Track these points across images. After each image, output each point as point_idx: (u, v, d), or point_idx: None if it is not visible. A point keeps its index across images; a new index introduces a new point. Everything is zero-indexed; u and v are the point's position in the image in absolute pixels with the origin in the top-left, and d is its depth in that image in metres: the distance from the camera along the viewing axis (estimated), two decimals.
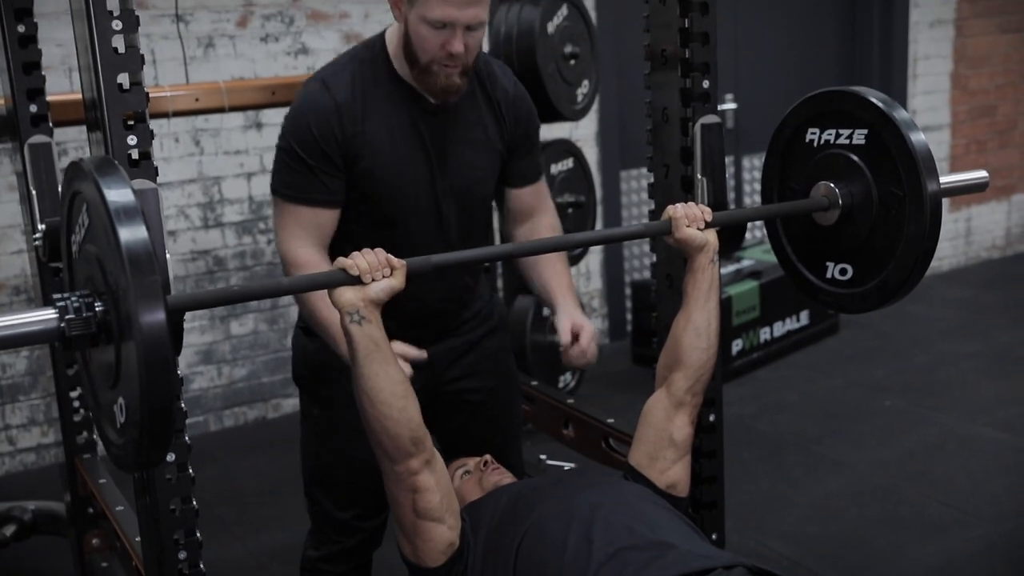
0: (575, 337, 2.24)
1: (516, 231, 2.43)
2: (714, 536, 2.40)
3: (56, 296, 1.40)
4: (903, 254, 1.98)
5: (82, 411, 2.75)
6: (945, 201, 2.21)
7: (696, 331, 2.00)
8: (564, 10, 3.66)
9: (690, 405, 2.02)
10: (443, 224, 2.20)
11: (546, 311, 3.99)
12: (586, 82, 3.79)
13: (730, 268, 4.85)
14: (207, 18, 3.99)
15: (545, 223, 2.42)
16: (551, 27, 3.59)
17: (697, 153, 2.21)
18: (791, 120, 2.15)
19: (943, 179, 1.99)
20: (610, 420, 2.76)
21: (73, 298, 1.40)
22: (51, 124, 2.57)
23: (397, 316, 2.15)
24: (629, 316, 5.17)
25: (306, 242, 2.10)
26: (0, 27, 2.49)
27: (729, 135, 5.52)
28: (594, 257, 5.07)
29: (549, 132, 4.33)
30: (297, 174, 2.09)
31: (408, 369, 1.89)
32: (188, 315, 4.02)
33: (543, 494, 1.92)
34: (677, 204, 2.01)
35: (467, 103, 2.18)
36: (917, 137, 1.95)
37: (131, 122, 1.72)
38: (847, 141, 2.04)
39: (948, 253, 6.27)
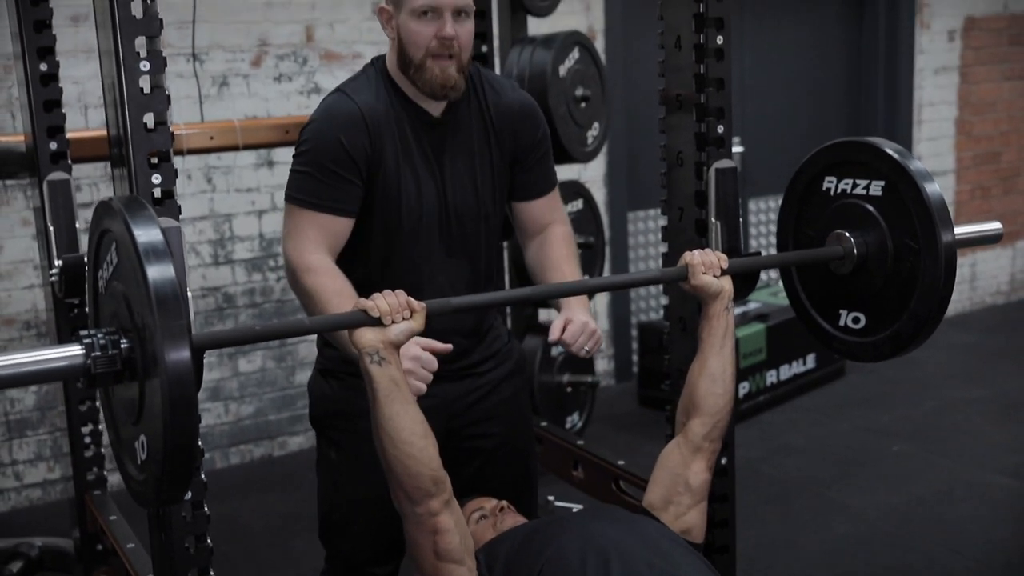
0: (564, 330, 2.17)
1: (528, 243, 2.40)
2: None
3: (82, 332, 1.42)
4: (917, 305, 2.00)
5: (93, 447, 2.75)
6: None
7: (712, 377, 2.01)
8: (576, 53, 3.69)
9: (707, 451, 2.02)
10: (450, 240, 2.19)
11: (554, 351, 4.00)
12: (596, 124, 3.82)
13: (736, 311, 4.83)
14: (222, 57, 4.04)
15: (557, 233, 2.38)
16: (563, 70, 3.63)
17: (711, 197, 2.22)
18: (809, 168, 2.18)
19: (958, 230, 2.01)
20: (620, 462, 2.76)
21: (99, 335, 1.42)
22: (69, 161, 2.59)
23: None
24: (636, 357, 5.18)
25: (318, 248, 2.08)
26: (23, 65, 2.52)
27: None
28: (601, 298, 5.08)
29: (559, 173, 4.36)
30: (317, 181, 2.08)
31: (434, 363, 1.88)
32: None
33: (562, 527, 1.91)
34: (694, 251, 2.03)
35: (469, 119, 2.20)
36: (932, 189, 1.97)
37: (155, 160, 1.74)
38: (864, 191, 2.07)
39: (954, 298, 6.22)
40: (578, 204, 3.91)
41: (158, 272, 1.34)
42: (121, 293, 1.43)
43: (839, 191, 2.12)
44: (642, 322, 5.10)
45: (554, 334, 2.16)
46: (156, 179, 1.71)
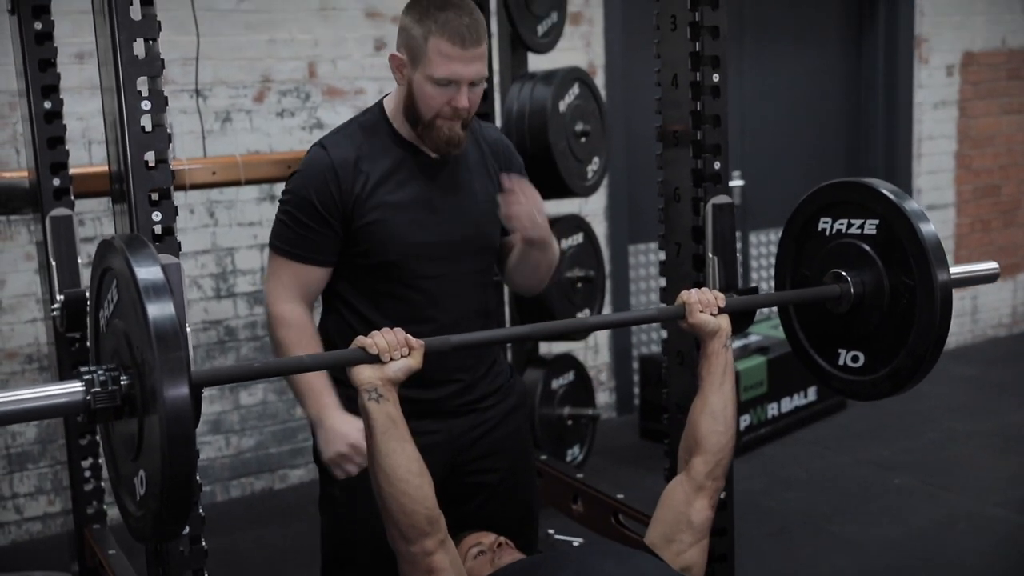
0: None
1: (509, 268, 2.40)
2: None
3: (83, 369, 1.44)
4: (914, 343, 2.01)
5: (93, 481, 2.76)
6: None
7: (712, 415, 2.01)
8: (576, 89, 3.73)
9: (710, 489, 2.01)
10: (454, 278, 2.22)
11: (555, 383, 4.01)
12: (596, 159, 3.85)
13: (737, 343, 4.86)
14: (225, 93, 4.07)
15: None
16: (563, 105, 3.66)
17: (708, 232, 2.25)
18: (805, 208, 2.21)
19: (953, 269, 2.04)
20: (620, 495, 2.76)
21: (99, 371, 1.44)
22: (72, 197, 2.62)
23: (414, 378, 2.18)
24: (637, 390, 5.18)
25: (291, 297, 2.16)
26: (27, 102, 2.55)
27: (736, 211, 5.56)
28: (602, 332, 5.09)
29: (559, 207, 4.40)
30: (292, 231, 2.14)
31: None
32: None
33: (558, 564, 1.91)
34: (691, 289, 2.05)
35: (466, 155, 2.23)
36: (927, 228, 2.00)
37: (156, 197, 1.76)
38: (859, 231, 2.10)
39: (955, 331, 6.28)
40: (578, 238, 3.93)
41: (158, 309, 1.36)
42: (122, 330, 1.45)
43: (835, 231, 2.15)
44: (643, 355, 5.11)
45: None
46: (156, 216, 1.74)
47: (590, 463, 4.27)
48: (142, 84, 1.72)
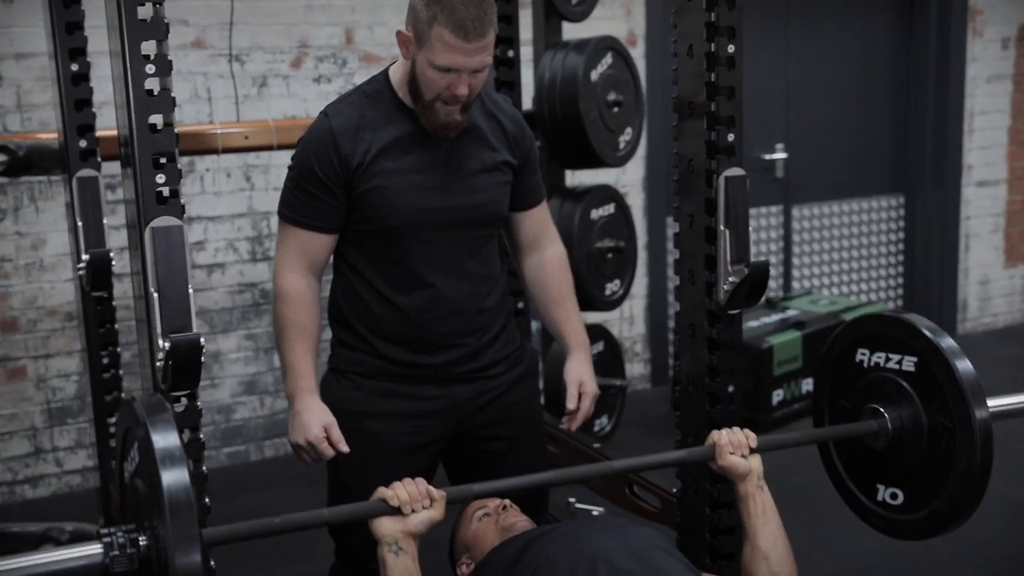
0: (579, 401, 2.37)
1: (524, 262, 2.45)
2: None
3: (103, 531, 1.48)
4: (954, 486, 1.97)
5: None
6: (1000, 256, 2.08)
7: (765, 558, 1.97)
8: (609, 58, 3.71)
9: None
10: (454, 245, 2.23)
11: None
12: (629, 129, 3.83)
13: (774, 317, 4.83)
14: (262, 58, 4.11)
15: (553, 256, 2.45)
16: (595, 75, 3.64)
17: (721, 205, 2.23)
18: (843, 338, 2.19)
19: (993, 402, 1.99)
20: None
21: (119, 534, 1.48)
22: (99, 159, 2.67)
23: (420, 341, 2.21)
24: (671, 361, 5.16)
25: (296, 267, 2.19)
26: (55, 65, 2.60)
27: (779, 184, 5.52)
28: (638, 302, 5.08)
29: (594, 177, 4.39)
30: (296, 198, 2.17)
31: (328, 454, 2.12)
32: (233, 345, 4.10)
33: (553, 538, 1.93)
34: (722, 430, 2.02)
35: (472, 125, 2.22)
36: (964, 367, 1.96)
37: (163, 160, 1.79)
38: (897, 366, 2.07)
39: (1003, 309, 6.17)
40: (609, 208, 3.91)
41: (172, 478, 1.40)
42: (143, 491, 1.48)
43: (873, 364, 2.12)
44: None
45: (571, 403, 2.37)
46: (160, 178, 1.76)
47: (619, 434, 4.27)
48: (148, 48, 1.75)
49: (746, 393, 4.52)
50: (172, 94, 1.76)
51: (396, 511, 1.74)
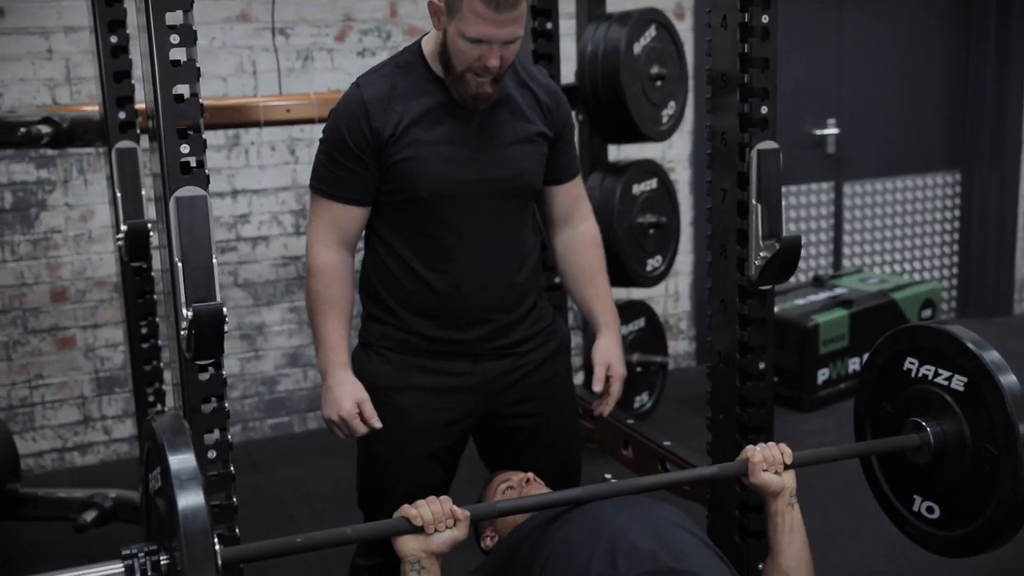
0: (607, 385, 2.34)
1: (555, 237, 2.42)
2: (760, 566, 2.36)
3: (124, 551, 1.51)
4: (995, 513, 1.92)
5: (157, 405, 2.87)
6: None
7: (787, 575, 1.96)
8: (652, 31, 3.66)
9: None
10: (486, 218, 2.21)
11: (625, 330, 3.99)
12: (672, 103, 3.78)
13: (822, 295, 4.76)
14: (307, 32, 4.12)
15: (585, 232, 2.41)
16: (637, 48, 3.60)
17: (753, 179, 2.20)
18: (890, 344, 2.12)
19: None
20: (667, 443, 2.75)
21: (140, 554, 1.50)
22: (138, 131, 2.70)
23: (449, 316, 2.21)
24: None
25: (328, 241, 2.19)
26: (95, 38, 2.63)
27: (830, 160, 5.43)
28: (683, 279, 5.04)
29: (640, 152, 4.35)
30: (328, 170, 2.17)
31: (360, 430, 2.11)
32: (277, 318, 4.14)
33: (571, 517, 1.92)
34: (756, 446, 1.98)
35: (506, 96, 2.20)
36: (1015, 394, 1.90)
37: (191, 132, 1.80)
38: (946, 383, 2.01)
39: None
40: (652, 183, 3.88)
41: (188, 502, 1.41)
42: (163, 512, 1.51)
43: (920, 375, 2.06)
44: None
45: (598, 385, 2.33)
46: (185, 148, 1.77)
47: (659, 411, 4.25)
48: (175, 18, 1.75)
49: (791, 371, 4.49)
50: (197, 64, 1.77)
51: (419, 530, 1.73)
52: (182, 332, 1.76)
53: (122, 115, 2.65)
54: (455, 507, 1.75)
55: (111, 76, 2.63)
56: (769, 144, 2.19)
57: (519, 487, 2.17)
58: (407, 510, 1.75)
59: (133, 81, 2.68)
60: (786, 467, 1.96)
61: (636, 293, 4.45)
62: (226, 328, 1.78)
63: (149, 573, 1.49)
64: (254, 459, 4.15)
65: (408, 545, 1.74)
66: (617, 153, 4.21)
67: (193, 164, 1.79)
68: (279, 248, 4.25)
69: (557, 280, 3.09)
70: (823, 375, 4.51)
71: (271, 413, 4.37)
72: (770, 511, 1.97)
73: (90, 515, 3.15)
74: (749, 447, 1.98)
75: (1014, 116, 5.66)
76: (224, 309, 1.74)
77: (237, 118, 3.39)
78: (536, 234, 2.37)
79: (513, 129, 2.21)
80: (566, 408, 2.46)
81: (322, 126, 4.03)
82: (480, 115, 2.18)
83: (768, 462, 1.94)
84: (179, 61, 1.77)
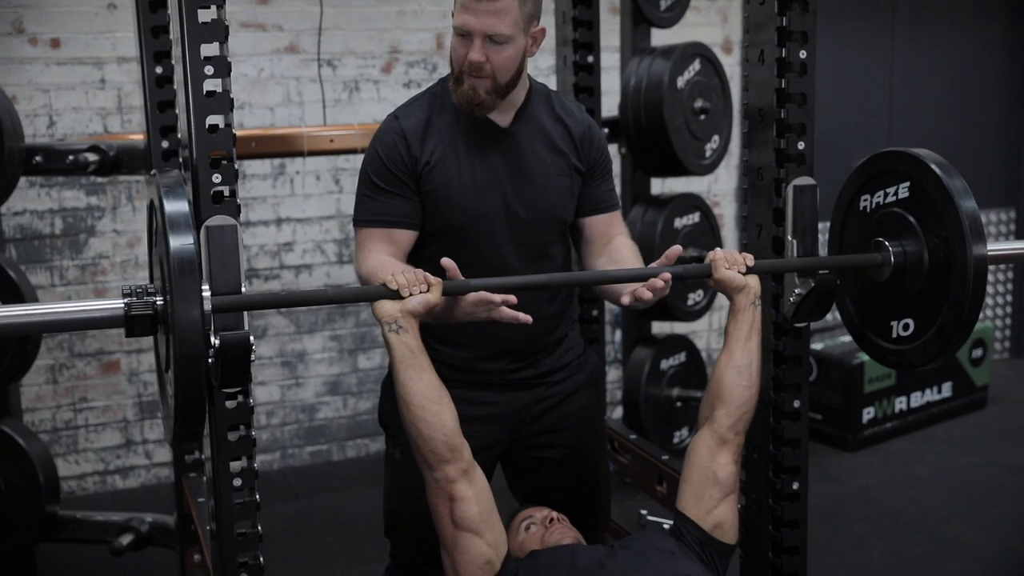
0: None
1: (592, 254, 2.35)
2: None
3: (124, 288, 1.65)
4: (957, 271, 1.98)
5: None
6: None
7: (738, 369, 2.05)
8: (696, 65, 3.65)
9: (733, 443, 2.05)
10: (517, 249, 2.20)
11: (664, 364, 3.96)
12: (716, 137, 3.76)
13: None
14: (354, 63, 4.17)
15: (624, 241, 2.35)
16: (681, 81, 3.59)
17: (789, 214, 2.17)
18: (843, 195, 2.23)
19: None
20: None
21: (137, 289, 1.65)
22: (181, 159, 2.73)
23: (477, 346, 2.20)
24: None
25: (378, 254, 2.13)
26: (141, 68, 2.67)
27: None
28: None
29: (686, 186, 4.32)
30: (372, 200, 2.16)
31: (437, 295, 1.91)
32: (318, 346, 4.15)
33: (590, 558, 1.92)
34: (719, 248, 2.10)
35: (538, 128, 2.21)
36: (948, 173, 2.02)
37: (224, 161, 1.82)
38: (894, 197, 2.12)
39: None
40: (694, 217, 3.85)
41: (179, 242, 1.55)
42: (158, 256, 1.64)
43: (874, 206, 2.16)
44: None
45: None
46: (217, 178, 1.79)
47: None
48: (209, 50, 1.78)
49: (836, 410, 4.42)
50: (231, 95, 1.79)
51: (395, 294, 1.85)
52: (210, 360, 1.77)
53: (165, 144, 2.69)
54: (428, 275, 1.88)
55: (155, 105, 2.67)
56: (806, 180, 2.17)
57: (542, 525, 2.15)
58: (383, 277, 1.88)
59: (176, 111, 2.73)
60: (748, 271, 2.06)
61: (678, 328, 4.41)
62: (266, 355, 1.81)
63: (144, 300, 1.61)
64: (292, 486, 4.16)
65: (385, 307, 1.86)
66: (662, 187, 4.19)
67: (226, 193, 1.81)
68: (322, 276, 4.28)
69: (595, 312, 3.09)
70: (868, 414, 4.44)
71: (310, 440, 4.38)
72: (734, 309, 2.09)
73: (126, 539, 3.18)
74: (712, 251, 2.10)
75: None
76: (251, 338, 1.75)
77: (283, 147, 3.43)
78: (567, 267, 2.36)
79: (544, 161, 2.21)
80: (594, 440, 2.44)
81: None
82: (510, 145, 2.18)
83: (729, 261, 2.06)
84: (213, 92, 1.79)
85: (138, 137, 3.11)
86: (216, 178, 1.79)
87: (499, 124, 2.17)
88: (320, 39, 3.78)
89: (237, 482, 1.90)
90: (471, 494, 1.87)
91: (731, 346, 2.08)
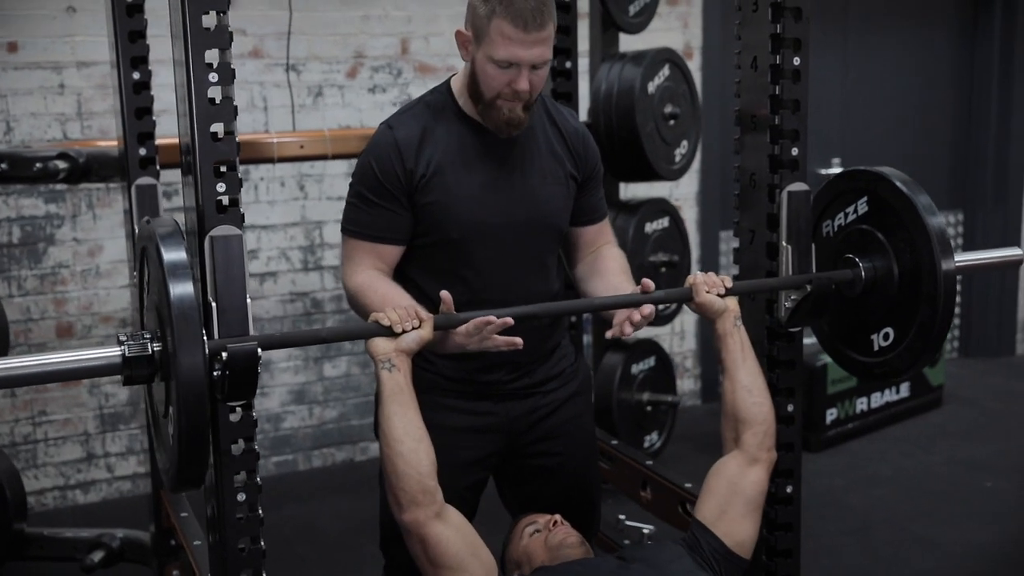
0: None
1: (579, 262, 2.37)
2: None
3: (121, 336, 1.63)
4: (927, 285, 2.05)
5: None
6: None
7: (746, 390, 2.08)
8: (666, 71, 3.68)
9: (765, 460, 2.07)
10: (515, 259, 2.19)
11: (635, 368, 3.97)
12: (685, 142, 3.79)
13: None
14: (318, 68, 4.12)
15: (611, 250, 2.36)
16: (652, 87, 3.61)
17: (783, 220, 2.19)
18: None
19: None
20: (688, 484, 2.72)
21: (134, 338, 1.62)
22: (158, 167, 2.68)
23: (475, 357, 2.18)
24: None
25: (366, 268, 2.12)
26: (117, 73, 2.61)
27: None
28: (689, 317, 5.03)
29: (648, 190, 4.35)
30: (363, 212, 2.13)
31: (429, 330, 1.92)
32: (283, 354, 4.10)
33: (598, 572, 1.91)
34: (698, 272, 2.14)
35: (536, 136, 2.20)
36: (895, 174, 2.13)
37: (223, 169, 1.78)
38: (855, 214, 2.20)
39: None
40: (663, 222, 3.88)
41: (180, 290, 1.55)
42: (155, 303, 1.62)
43: (836, 228, 2.25)
44: None
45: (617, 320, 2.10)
46: (221, 187, 1.75)
47: (669, 450, 4.22)
48: (211, 56, 1.74)
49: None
50: (234, 103, 1.75)
51: (388, 331, 1.85)
52: (215, 373, 1.73)
53: (143, 151, 2.63)
54: (420, 308, 1.89)
55: (132, 112, 2.62)
56: (800, 186, 2.19)
57: (546, 529, 2.14)
58: (375, 315, 1.88)
59: (154, 117, 2.67)
60: (728, 292, 2.10)
61: (643, 332, 4.43)
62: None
63: (141, 354, 1.60)
64: (260, 498, 4.09)
65: (379, 346, 1.87)
66: (625, 191, 4.21)
67: (228, 202, 1.77)
68: (287, 284, 4.23)
69: (574, 319, 3.09)
70: (831, 415, 4.49)
71: (276, 451, 4.32)
72: (719, 333, 2.13)
73: (97, 555, 3.10)
74: (692, 275, 2.14)
75: (1016, 156, 5.69)
76: (259, 349, 1.72)
77: (251, 154, 3.38)
78: (560, 277, 2.35)
79: (543, 170, 2.20)
80: (586, 448, 2.45)
81: (334, 163, 4.05)
82: (509, 156, 2.17)
83: (709, 284, 2.09)
84: (215, 99, 1.75)
85: (106, 143, 3.04)
86: (220, 187, 1.75)
87: (496, 134, 2.16)
88: (289, 43, 3.73)
89: (241, 497, 1.86)
90: (447, 534, 1.86)
91: (731, 371, 2.11)
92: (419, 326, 1.87)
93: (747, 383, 2.08)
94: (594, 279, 2.29)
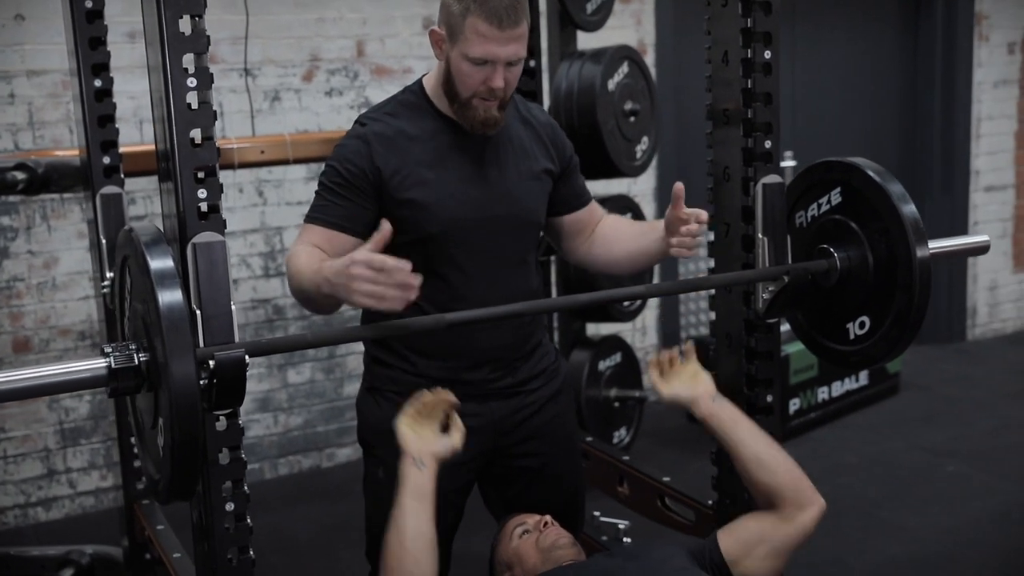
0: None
1: (582, 242, 2.39)
2: None
3: (106, 348, 1.59)
4: (903, 273, 2.08)
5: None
6: (1008, 261, 2.13)
7: (760, 463, 2.03)
8: (625, 67, 3.69)
9: (813, 511, 2.03)
10: (494, 257, 2.19)
11: (601, 365, 3.98)
12: (645, 139, 3.81)
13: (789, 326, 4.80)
14: (274, 72, 4.08)
15: (611, 219, 2.41)
16: (612, 84, 3.62)
17: (758, 212, 2.21)
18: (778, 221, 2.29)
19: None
20: (666, 478, 2.74)
21: (120, 349, 1.58)
22: (122, 175, 2.64)
23: (460, 356, 2.17)
24: None
25: (308, 246, 2.04)
26: (78, 81, 2.56)
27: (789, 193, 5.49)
28: (650, 312, 5.06)
29: (607, 187, 4.37)
30: (324, 199, 2.09)
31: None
32: None
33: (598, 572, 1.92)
34: (651, 370, 2.20)
35: (510, 133, 2.19)
36: (869, 164, 2.16)
37: (201, 175, 1.76)
38: (828, 205, 2.22)
39: (1012, 315, 6.16)
40: (627, 217, 3.89)
41: (168, 298, 1.51)
42: (140, 312, 1.59)
43: (809, 219, 2.26)
44: (692, 337, 5.06)
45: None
46: (202, 193, 1.72)
47: (636, 446, 4.24)
48: (188, 61, 1.71)
49: None
50: (213, 107, 1.73)
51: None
52: (201, 382, 1.70)
53: (107, 160, 2.59)
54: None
55: (95, 120, 2.57)
56: (774, 178, 2.21)
57: (536, 530, 2.14)
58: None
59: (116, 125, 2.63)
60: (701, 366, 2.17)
61: (607, 328, 4.45)
62: None
63: (128, 364, 1.57)
64: None
65: (415, 445, 1.94)
66: None
67: (208, 209, 1.74)
68: (248, 291, 4.18)
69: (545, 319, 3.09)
70: (794, 405, 4.54)
71: None
72: (702, 415, 2.10)
73: (67, 573, 3.05)
74: (651, 370, 2.18)
75: (961, 146, 5.81)
76: (247, 356, 1.69)
77: None
78: (538, 273, 2.35)
79: (518, 166, 2.20)
80: (569, 447, 2.45)
81: (294, 168, 4.01)
82: (484, 152, 2.16)
83: (663, 364, 2.16)
84: (192, 105, 1.72)
85: (64, 153, 2.99)
86: (201, 193, 1.73)
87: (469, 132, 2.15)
88: (246, 48, 3.69)
89: (229, 506, 1.84)
90: None
91: (733, 450, 2.06)
92: (397, 287, 1.68)
93: (759, 456, 2.03)
94: (618, 244, 2.34)
